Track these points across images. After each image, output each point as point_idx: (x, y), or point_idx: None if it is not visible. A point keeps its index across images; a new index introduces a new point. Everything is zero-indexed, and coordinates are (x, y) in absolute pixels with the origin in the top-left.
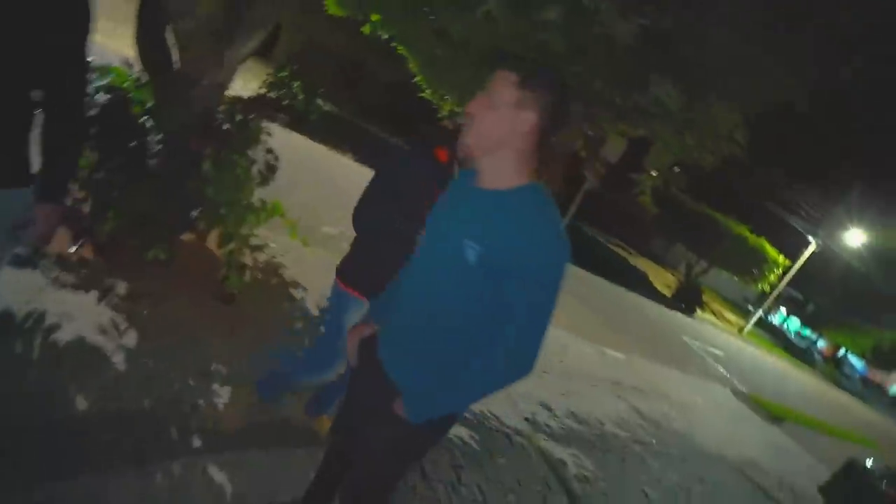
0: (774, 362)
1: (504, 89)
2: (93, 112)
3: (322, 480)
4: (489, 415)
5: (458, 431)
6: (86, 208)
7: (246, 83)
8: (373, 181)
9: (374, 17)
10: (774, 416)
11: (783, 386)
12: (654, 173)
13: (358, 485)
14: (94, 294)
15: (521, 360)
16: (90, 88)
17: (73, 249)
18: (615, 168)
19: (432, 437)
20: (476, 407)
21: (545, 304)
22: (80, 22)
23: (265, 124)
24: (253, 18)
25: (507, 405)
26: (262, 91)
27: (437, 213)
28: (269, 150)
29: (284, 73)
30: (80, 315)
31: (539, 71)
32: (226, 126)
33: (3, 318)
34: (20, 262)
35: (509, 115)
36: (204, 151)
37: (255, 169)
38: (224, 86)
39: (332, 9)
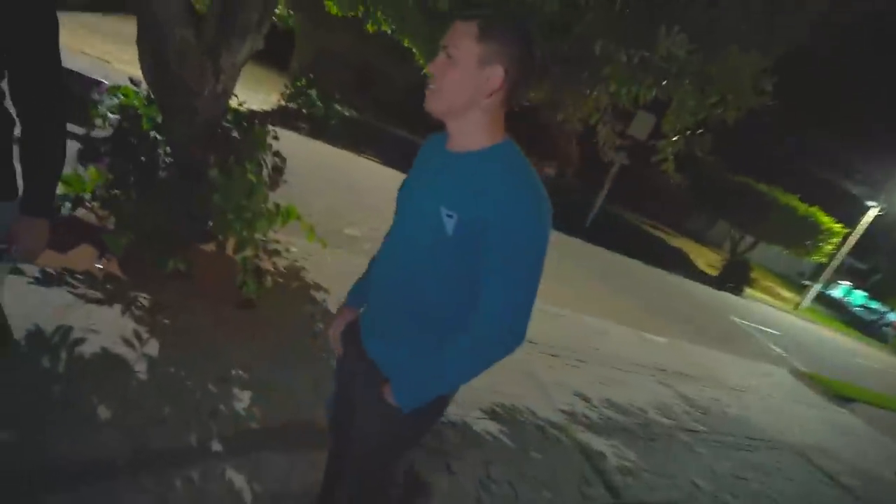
0: (838, 339)
1: (464, 44)
2: (105, 132)
3: (327, 480)
4: (521, 407)
5: (488, 426)
6: (110, 225)
7: (267, 96)
8: None
9: (378, 14)
10: (841, 396)
11: (849, 363)
12: (674, 138)
13: (354, 480)
14: (118, 307)
15: (510, 330)
16: (68, 97)
17: (99, 266)
18: (645, 145)
19: (426, 423)
20: (507, 399)
21: (530, 265)
22: (47, 29)
23: (271, 128)
24: (245, 23)
25: (540, 396)
26: (282, 102)
27: (409, 184)
28: (276, 153)
29: (301, 83)
30: (105, 328)
31: (499, 18)
32: (233, 133)
33: (32, 334)
34: (49, 281)
35: (473, 73)
36: (209, 160)
37: (263, 173)
38: (226, 93)
39: (333, 9)
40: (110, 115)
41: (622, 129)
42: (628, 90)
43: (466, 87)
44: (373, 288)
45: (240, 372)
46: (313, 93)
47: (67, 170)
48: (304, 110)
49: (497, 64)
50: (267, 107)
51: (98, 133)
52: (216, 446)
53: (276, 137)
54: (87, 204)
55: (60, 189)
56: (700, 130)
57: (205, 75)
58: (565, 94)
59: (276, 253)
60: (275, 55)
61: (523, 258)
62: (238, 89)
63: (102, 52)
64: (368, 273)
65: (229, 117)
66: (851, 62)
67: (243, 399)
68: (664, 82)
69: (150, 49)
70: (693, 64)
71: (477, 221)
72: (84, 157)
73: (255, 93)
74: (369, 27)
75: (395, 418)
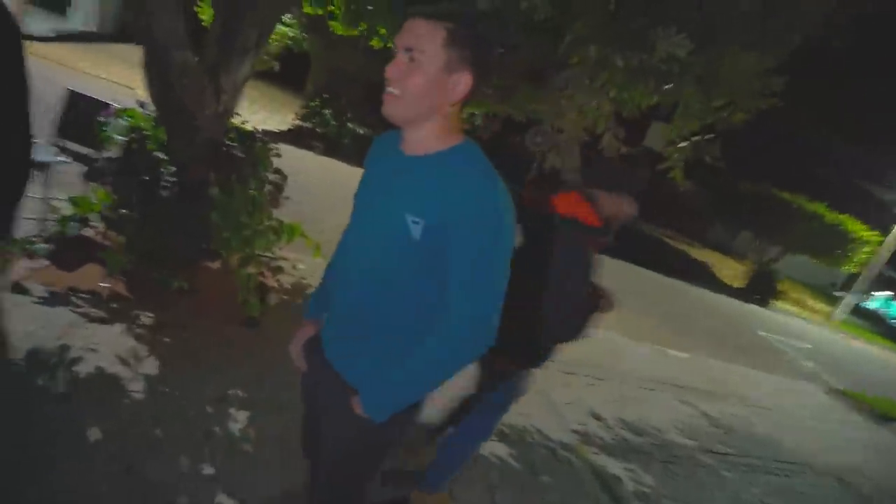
0: (877, 353)
1: (430, 48)
2: (112, 154)
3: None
4: (530, 427)
5: (494, 447)
6: (116, 245)
7: (284, 117)
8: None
9: (381, 30)
10: (881, 414)
11: (889, 379)
12: (681, 144)
13: (325, 492)
14: (119, 327)
15: (478, 327)
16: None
17: (104, 285)
18: (662, 156)
19: (397, 431)
20: (515, 419)
21: (501, 262)
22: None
23: (273, 145)
24: (243, 43)
25: (551, 416)
26: (298, 123)
27: (365, 189)
28: (277, 171)
29: (315, 104)
30: (105, 348)
31: (465, 18)
32: (236, 152)
33: (32, 354)
34: (54, 300)
35: (440, 79)
36: (210, 178)
37: (265, 190)
38: (228, 112)
39: (338, 29)
40: (118, 136)
41: (626, 136)
42: (629, 96)
43: (431, 93)
44: (334, 296)
45: (238, 392)
46: (327, 112)
47: (77, 191)
48: (318, 130)
49: (465, 71)
50: (284, 127)
51: (106, 155)
52: (207, 469)
53: (278, 155)
54: (94, 224)
55: (69, 210)
56: (709, 136)
57: (205, 95)
58: (566, 102)
59: (281, 270)
60: (292, 77)
61: (495, 255)
62: (257, 111)
63: (128, 79)
64: (326, 281)
65: (232, 136)
66: (877, 58)
67: (239, 420)
68: (666, 86)
69: (154, 71)
70: (696, 65)
71: (445, 224)
72: (90, 178)
73: (272, 114)
74: (374, 42)
75: (363, 426)
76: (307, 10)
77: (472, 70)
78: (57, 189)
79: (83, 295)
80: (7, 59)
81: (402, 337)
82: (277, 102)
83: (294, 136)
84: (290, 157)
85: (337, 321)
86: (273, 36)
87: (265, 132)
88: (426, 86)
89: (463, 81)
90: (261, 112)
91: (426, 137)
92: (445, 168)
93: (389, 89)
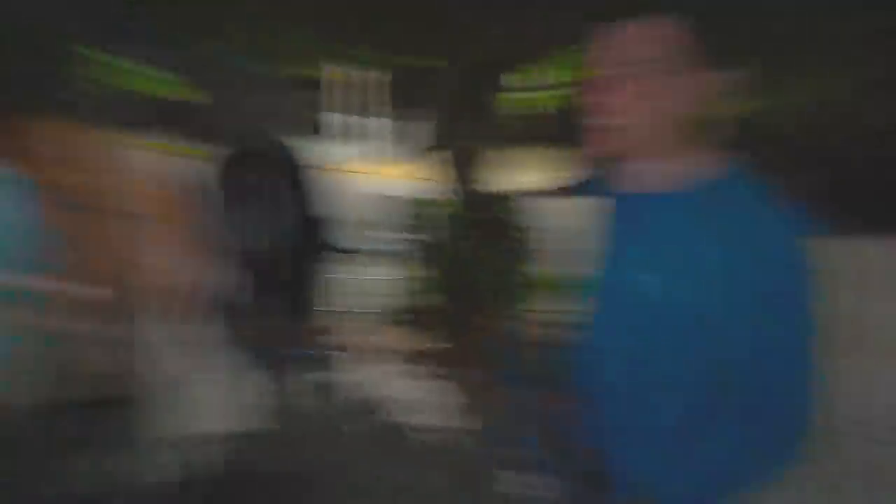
0: None
1: (649, 55)
2: (420, 236)
3: None
4: None
5: None
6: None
7: (557, 174)
8: None
9: None
10: None
11: None
12: None
13: None
14: (409, 381)
15: (789, 415)
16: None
17: (420, 347)
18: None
19: None
20: None
21: (804, 320)
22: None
23: (529, 201)
24: (482, 117)
25: None
26: (570, 176)
27: (611, 256)
28: (524, 228)
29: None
30: (400, 399)
31: (680, 7)
32: (501, 214)
33: (345, 405)
34: (369, 359)
35: (671, 91)
36: (473, 243)
37: (515, 246)
38: (485, 182)
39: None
40: (425, 222)
41: None
42: None
43: (666, 109)
44: (591, 380)
45: (498, 451)
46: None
47: (397, 270)
48: None
49: (697, 70)
50: (556, 184)
51: (415, 237)
52: None
53: (543, 211)
54: (409, 295)
55: (387, 286)
56: None
57: (466, 168)
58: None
59: (542, 324)
60: (565, 134)
61: (803, 315)
62: (531, 172)
63: (435, 175)
64: (581, 358)
65: (497, 198)
66: None
67: (501, 479)
68: None
69: (445, 161)
70: None
71: (729, 280)
72: (404, 258)
73: (547, 173)
74: None
75: None
76: (554, 74)
77: (705, 66)
78: (376, 269)
79: (395, 355)
80: (293, 180)
81: (681, 430)
82: (552, 161)
83: (568, 191)
84: (559, 211)
85: (615, 433)
86: (538, 97)
87: (538, 191)
88: (658, 103)
89: (699, 83)
90: (535, 173)
91: (672, 167)
92: (711, 203)
93: (608, 121)
